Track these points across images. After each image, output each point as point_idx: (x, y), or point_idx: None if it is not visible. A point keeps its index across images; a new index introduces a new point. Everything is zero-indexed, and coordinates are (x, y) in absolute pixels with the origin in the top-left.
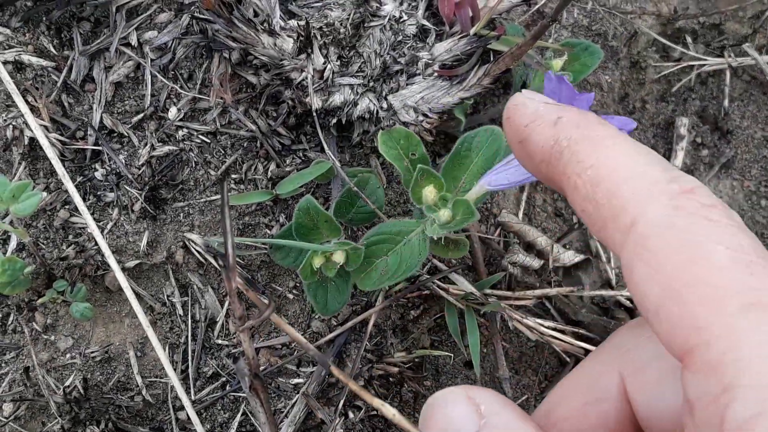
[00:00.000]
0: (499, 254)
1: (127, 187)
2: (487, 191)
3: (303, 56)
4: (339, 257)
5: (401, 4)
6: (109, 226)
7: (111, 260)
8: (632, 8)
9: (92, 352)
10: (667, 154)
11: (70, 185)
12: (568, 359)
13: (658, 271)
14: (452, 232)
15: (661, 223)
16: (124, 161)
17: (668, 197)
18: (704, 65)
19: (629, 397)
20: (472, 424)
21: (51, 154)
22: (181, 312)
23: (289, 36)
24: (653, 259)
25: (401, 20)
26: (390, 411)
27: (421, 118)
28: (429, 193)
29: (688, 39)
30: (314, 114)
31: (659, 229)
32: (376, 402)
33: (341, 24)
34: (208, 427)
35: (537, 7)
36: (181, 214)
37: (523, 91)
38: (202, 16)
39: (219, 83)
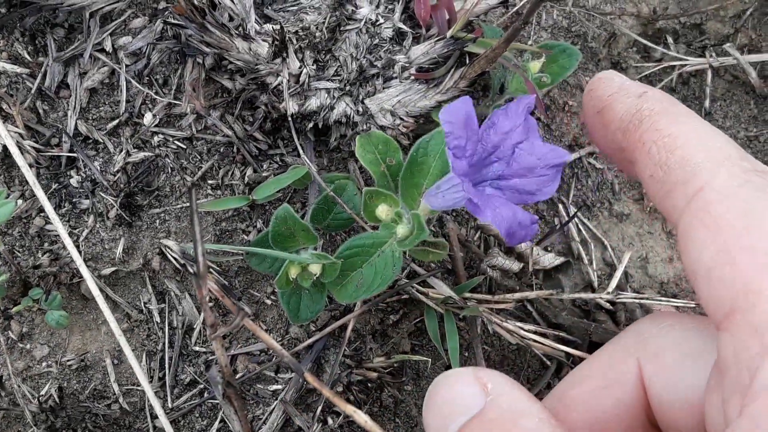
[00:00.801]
0: (478, 257)
1: (103, 194)
2: (431, 210)
3: (278, 60)
4: (315, 269)
5: (377, 7)
6: (84, 234)
7: (83, 268)
8: (612, 9)
9: (68, 361)
10: None
11: (40, 193)
12: (549, 362)
13: (717, 234)
14: (419, 243)
15: (728, 192)
16: (99, 168)
17: (740, 170)
18: (685, 65)
19: (645, 383)
20: (479, 400)
21: (21, 162)
22: (158, 319)
23: (264, 40)
24: (713, 223)
25: (377, 23)
26: (362, 418)
27: (398, 121)
28: (382, 212)
29: (669, 39)
30: (290, 119)
31: (725, 196)
32: (349, 409)
33: (317, 28)
34: None
35: (516, 9)
36: (157, 221)
37: (609, 70)
38: (174, 21)
39: (192, 89)
